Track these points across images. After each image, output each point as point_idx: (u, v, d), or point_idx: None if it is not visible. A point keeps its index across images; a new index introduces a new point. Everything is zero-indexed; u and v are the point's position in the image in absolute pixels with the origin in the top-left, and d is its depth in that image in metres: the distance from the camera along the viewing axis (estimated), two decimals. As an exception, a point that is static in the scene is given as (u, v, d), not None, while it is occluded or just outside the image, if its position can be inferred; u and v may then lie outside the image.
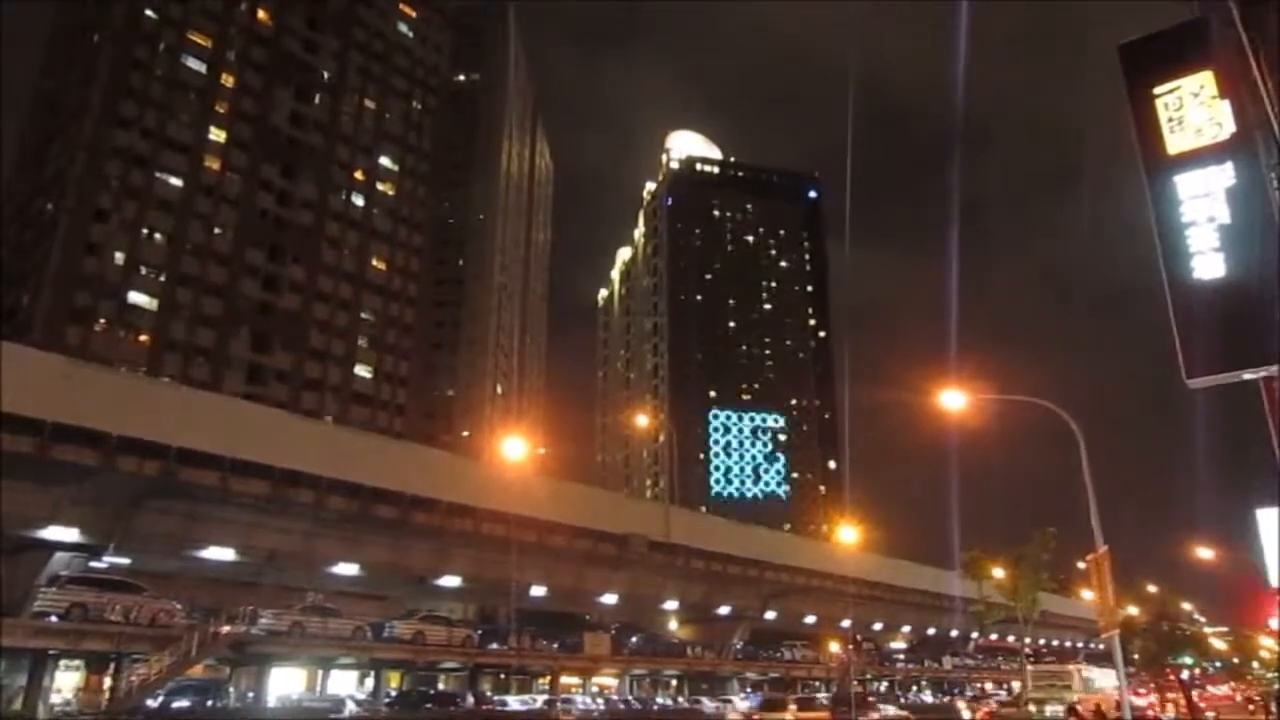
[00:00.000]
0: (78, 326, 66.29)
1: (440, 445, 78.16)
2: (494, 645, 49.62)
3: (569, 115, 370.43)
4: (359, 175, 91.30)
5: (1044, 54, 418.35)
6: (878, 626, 79.97)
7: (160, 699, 34.27)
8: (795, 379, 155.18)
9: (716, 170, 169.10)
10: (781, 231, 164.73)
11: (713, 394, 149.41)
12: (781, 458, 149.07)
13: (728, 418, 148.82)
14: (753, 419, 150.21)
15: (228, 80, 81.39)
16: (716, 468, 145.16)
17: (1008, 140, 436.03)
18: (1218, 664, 71.55)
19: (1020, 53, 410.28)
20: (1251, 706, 51.85)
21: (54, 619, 32.08)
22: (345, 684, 48.46)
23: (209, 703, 37.70)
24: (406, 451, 54.13)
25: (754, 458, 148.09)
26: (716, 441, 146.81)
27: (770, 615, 67.04)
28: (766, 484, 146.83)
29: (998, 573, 50.00)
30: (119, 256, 70.33)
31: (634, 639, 58.46)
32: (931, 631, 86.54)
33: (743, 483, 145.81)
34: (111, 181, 70.97)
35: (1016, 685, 59.65)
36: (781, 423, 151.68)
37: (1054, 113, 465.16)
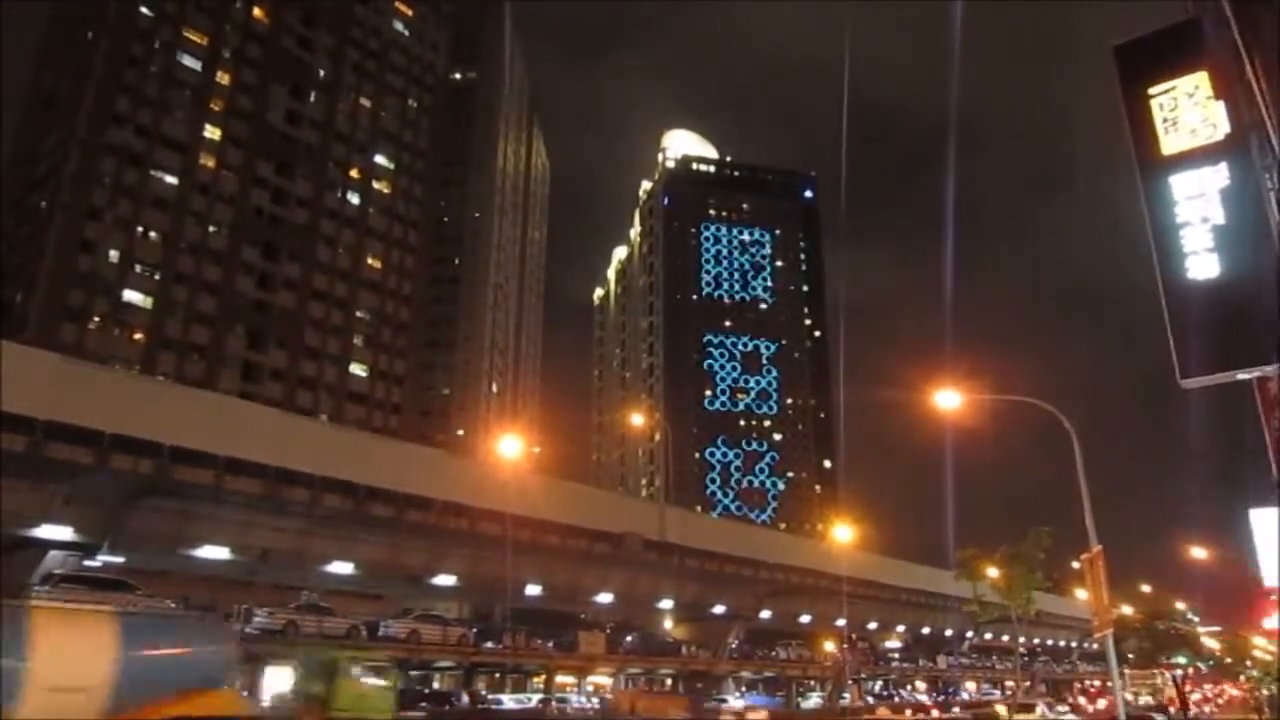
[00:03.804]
0: (72, 324, 66.10)
1: (435, 444, 78.05)
2: (489, 644, 49.58)
3: (564, 115, 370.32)
4: (355, 173, 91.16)
5: (1038, 55, 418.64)
6: (873, 625, 80.00)
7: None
8: (791, 378, 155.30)
9: (712, 169, 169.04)
10: (777, 230, 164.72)
11: (708, 393, 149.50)
12: (775, 454, 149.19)
13: (723, 417, 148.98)
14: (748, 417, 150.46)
15: (223, 78, 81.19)
16: (712, 466, 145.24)
17: (1001, 141, 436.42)
18: (1210, 663, 71.67)
19: (1013, 53, 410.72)
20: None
21: (47, 617, 31.94)
22: (340, 683, 48.30)
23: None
24: (402, 450, 54.00)
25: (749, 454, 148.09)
26: (712, 439, 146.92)
27: (765, 614, 67.05)
28: (762, 482, 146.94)
29: (992, 572, 49.99)
30: (114, 254, 70.15)
31: (629, 638, 58.49)
32: (926, 630, 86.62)
33: (738, 482, 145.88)
34: (106, 179, 70.76)
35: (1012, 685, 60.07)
36: (774, 409, 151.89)
37: (1048, 113, 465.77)
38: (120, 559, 37.58)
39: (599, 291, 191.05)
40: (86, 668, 17.07)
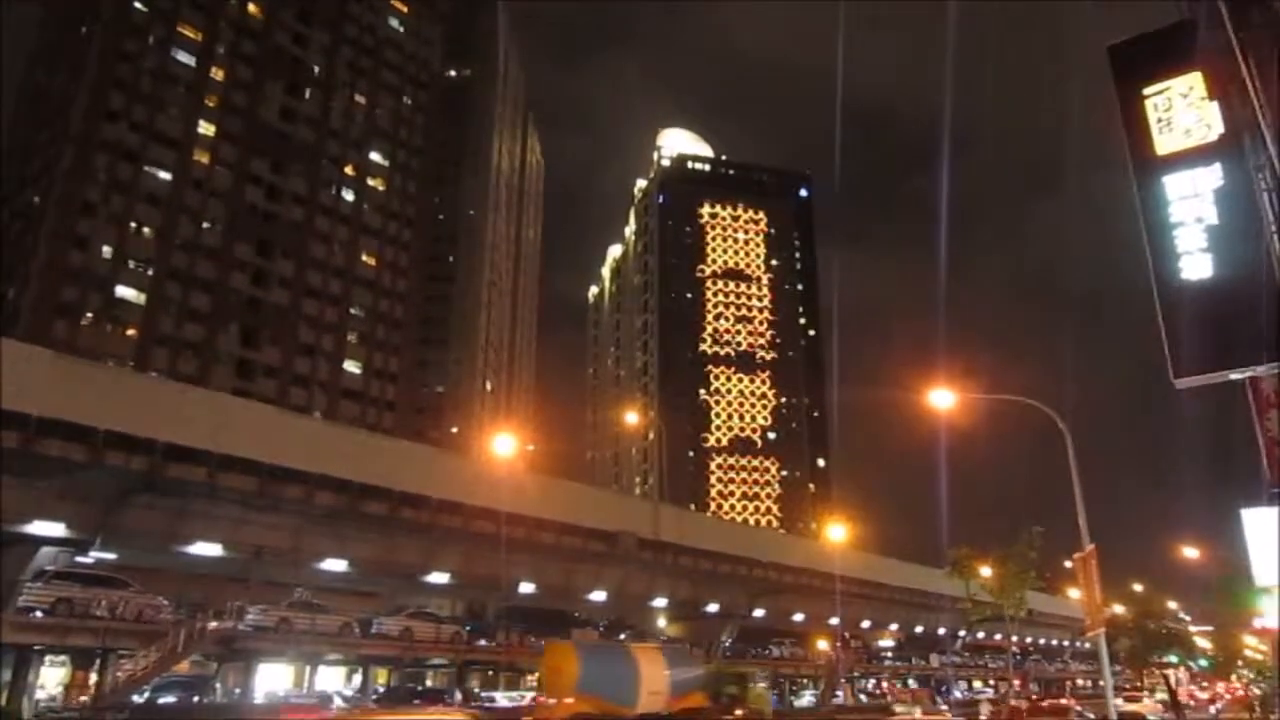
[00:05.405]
0: (64, 320, 65.87)
1: (429, 441, 78.02)
2: (482, 642, 49.54)
3: (559, 113, 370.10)
4: (349, 170, 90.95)
5: (1033, 55, 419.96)
6: (866, 624, 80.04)
7: (146, 695, 34.09)
8: (785, 376, 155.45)
9: (707, 168, 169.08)
10: (772, 230, 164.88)
11: (702, 391, 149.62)
12: (769, 453, 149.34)
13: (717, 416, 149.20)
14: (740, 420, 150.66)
15: (217, 74, 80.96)
16: (706, 465, 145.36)
17: (996, 140, 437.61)
18: (1202, 662, 71.98)
19: (1009, 54, 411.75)
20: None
21: (39, 614, 31.90)
22: (333, 680, 48.32)
23: (195, 699, 37.50)
24: (396, 447, 53.84)
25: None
26: (707, 438, 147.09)
27: (759, 613, 67.09)
28: (755, 480, 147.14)
29: (985, 571, 50.05)
30: (106, 250, 69.91)
31: (622, 636, 58.42)
32: (919, 629, 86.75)
33: (732, 481, 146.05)
34: (99, 175, 70.48)
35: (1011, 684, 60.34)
36: (769, 408, 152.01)
37: (1043, 113, 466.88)
38: (113, 556, 37.43)
39: (594, 290, 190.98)
40: (659, 679, 30.59)
